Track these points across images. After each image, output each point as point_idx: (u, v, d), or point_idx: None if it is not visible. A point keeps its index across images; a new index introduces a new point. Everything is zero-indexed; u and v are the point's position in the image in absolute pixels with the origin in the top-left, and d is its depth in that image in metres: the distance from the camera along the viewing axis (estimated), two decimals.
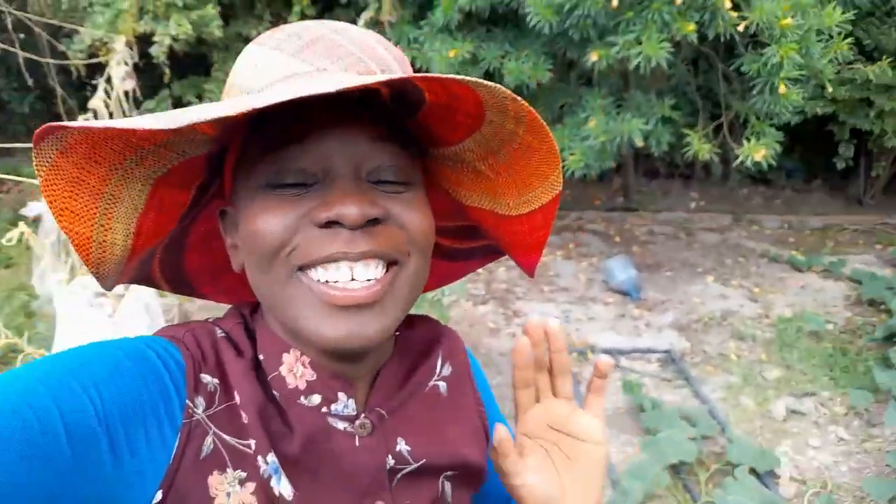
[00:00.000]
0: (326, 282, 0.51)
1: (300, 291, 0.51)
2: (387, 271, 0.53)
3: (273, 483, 0.50)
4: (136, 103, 4.26)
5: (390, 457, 0.57)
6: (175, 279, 0.67)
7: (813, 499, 2.69)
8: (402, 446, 0.58)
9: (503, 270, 5.02)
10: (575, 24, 3.28)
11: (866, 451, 3.01)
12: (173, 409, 0.48)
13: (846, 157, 6.50)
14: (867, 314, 4.38)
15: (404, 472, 0.58)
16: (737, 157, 3.60)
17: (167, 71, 5.22)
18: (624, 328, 4.19)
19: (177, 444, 0.47)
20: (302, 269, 0.51)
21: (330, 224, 0.49)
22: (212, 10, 5.03)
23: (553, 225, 0.62)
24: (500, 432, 0.56)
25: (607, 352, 3.81)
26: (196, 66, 5.95)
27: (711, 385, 3.53)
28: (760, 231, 6.30)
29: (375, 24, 4.19)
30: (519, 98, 0.47)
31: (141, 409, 0.46)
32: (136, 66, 4.50)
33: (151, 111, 5.15)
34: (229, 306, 0.63)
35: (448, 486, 0.62)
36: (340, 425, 0.55)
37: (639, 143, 3.62)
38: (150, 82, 5.95)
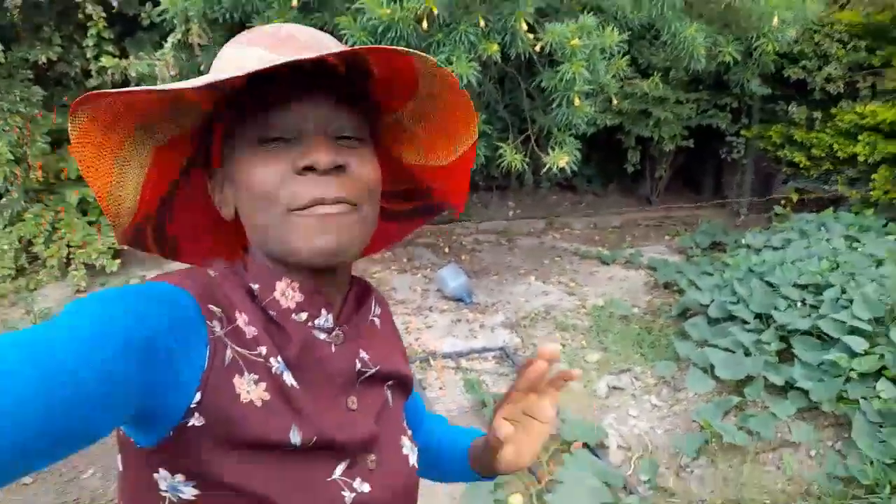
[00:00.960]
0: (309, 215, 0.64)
1: (290, 223, 0.64)
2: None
3: (285, 377, 0.63)
4: None
5: (357, 361, 0.71)
6: (162, 242, 0.80)
7: (638, 462, 3.02)
8: (363, 354, 0.73)
9: None
10: (389, 45, 3.41)
11: (675, 413, 3.40)
12: (200, 329, 0.58)
13: (634, 163, 7.36)
14: (664, 296, 4.99)
15: (366, 375, 0.72)
16: (545, 165, 3.96)
17: None
18: (460, 332, 4.38)
19: (207, 355, 0.58)
20: (290, 211, 0.64)
21: (306, 169, 0.62)
22: None
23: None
24: (506, 429, 0.73)
25: (447, 356, 3.96)
26: None
27: None
28: (571, 232, 6.92)
29: (185, 47, 4.00)
30: (440, 65, 0.62)
31: (178, 328, 0.56)
32: None
33: None
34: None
35: (390, 393, 0.77)
36: (321, 336, 0.69)
37: None
38: None
